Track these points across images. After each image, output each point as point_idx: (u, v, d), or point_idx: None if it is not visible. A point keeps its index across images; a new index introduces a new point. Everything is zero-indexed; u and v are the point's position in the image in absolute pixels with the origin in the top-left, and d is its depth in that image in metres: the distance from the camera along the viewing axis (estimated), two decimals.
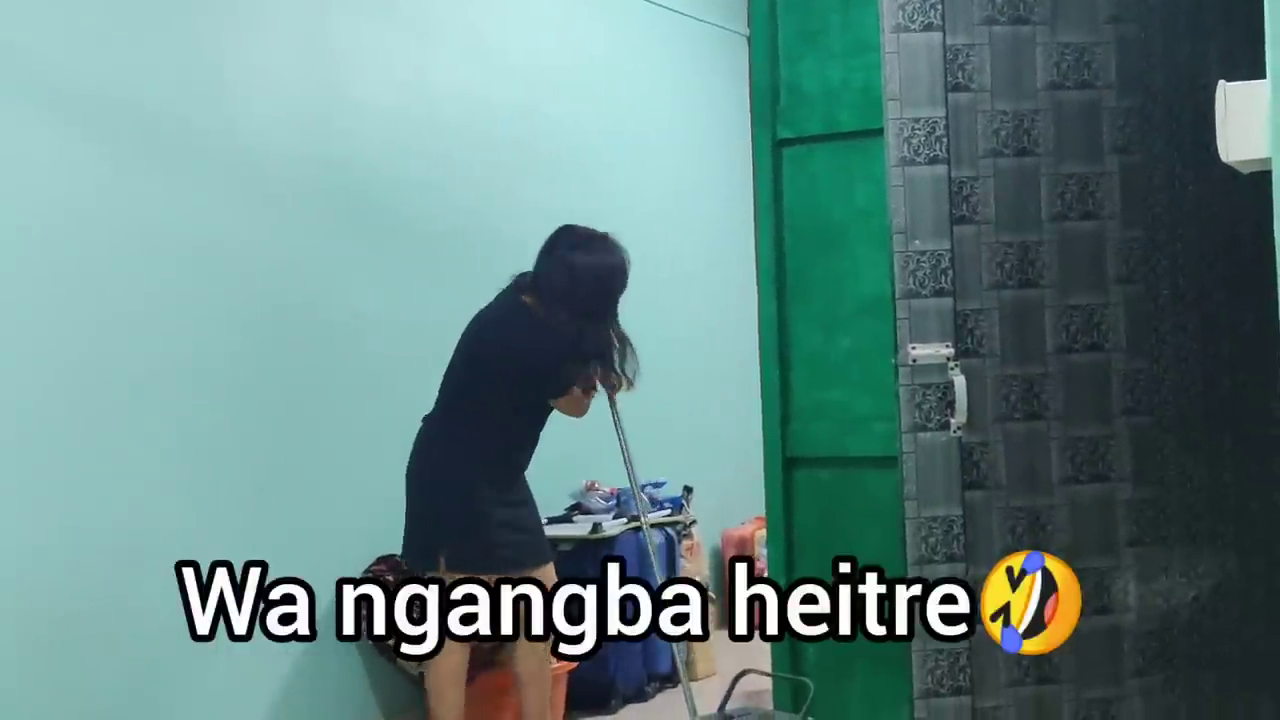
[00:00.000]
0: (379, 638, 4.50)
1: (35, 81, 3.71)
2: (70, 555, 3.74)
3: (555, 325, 4.03)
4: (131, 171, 3.95)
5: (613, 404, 4.24)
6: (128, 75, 3.94)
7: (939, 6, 3.21)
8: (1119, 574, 3.22)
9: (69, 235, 3.77)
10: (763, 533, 6.48)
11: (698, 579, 5.74)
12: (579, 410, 4.19)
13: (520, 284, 4.14)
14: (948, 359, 3.18)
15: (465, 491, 4.00)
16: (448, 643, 4.04)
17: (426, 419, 4.15)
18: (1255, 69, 2.11)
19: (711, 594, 5.86)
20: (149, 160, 4.00)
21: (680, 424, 6.40)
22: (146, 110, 4.00)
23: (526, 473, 4.20)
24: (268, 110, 4.40)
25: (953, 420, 3.17)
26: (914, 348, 3.19)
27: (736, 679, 3.88)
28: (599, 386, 4.21)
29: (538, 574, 4.10)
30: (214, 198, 4.21)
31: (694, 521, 5.82)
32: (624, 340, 4.21)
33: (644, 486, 5.70)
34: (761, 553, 6.52)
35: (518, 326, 4.09)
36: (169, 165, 4.07)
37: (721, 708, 3.86)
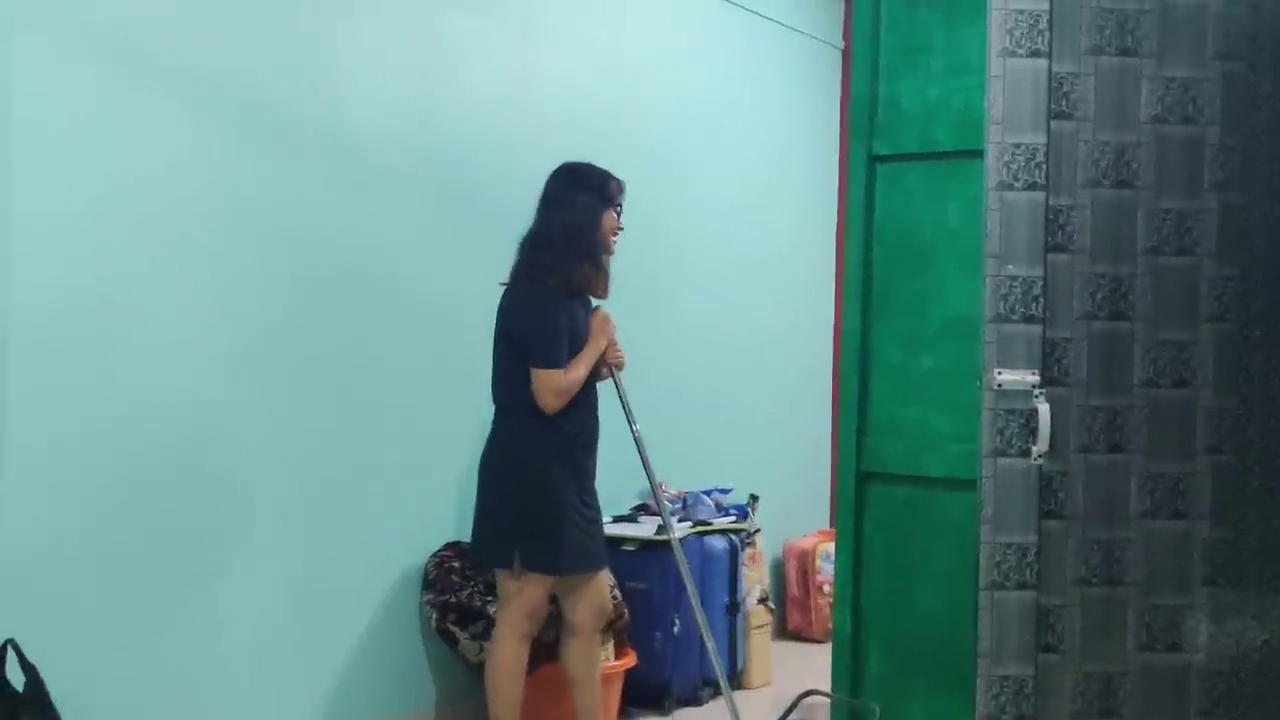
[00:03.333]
0: (441, 623, 4.56)
1: (146, 60, 3.78)
2: (155, 519, 3.82)
3: (539, 275, 4.03)
4: (236, 150, 4.01)
5: (617, 382, 4.20)
6: (238, 55, 4.01)
7: (1046, 34, 3.21)
8: (1191, 613, 3.20)
9: (172, 211, 3.83)
10: (824, 545, 6.50)
11: (759, 587, 5.75)
12: (550, 386, 3.96)
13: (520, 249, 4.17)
14: (1033, 386, 3.18)
15: (539, 491, 4.03)
16: (507, 634, 4.08)
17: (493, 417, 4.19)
18: None
19: (770, 604, 5.86)
20: (254, 140, 4.06)
21: (749, 431, 6.42)
22: (254, 90, 4.07)
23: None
24: (373, 97, 4.46)
25: (1034, 447, 3.17)
26: (1000, 372, 3.19)
27: (800, 699, 3.86)
28: (610, 372, 4.18)
29: (599, 576, 4.15)
30: (316, 180, 4.27)
31: (758, 530, 5.83)
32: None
33: (710, 491, 5.73)
34: (820, 566, 6.53)
35: (505, 301, 4.11)
36: (274, 146, 4.13)
37: None
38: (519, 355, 4.01)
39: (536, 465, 4.02)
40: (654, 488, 4.34)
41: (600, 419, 4.18)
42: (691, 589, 4.38)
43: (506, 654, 4.10)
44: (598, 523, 4.18)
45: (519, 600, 4.05)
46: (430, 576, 4.66)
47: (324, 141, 4.30)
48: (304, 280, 4.24)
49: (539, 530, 4.01)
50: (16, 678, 3.29)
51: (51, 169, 3.55)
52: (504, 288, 4.14)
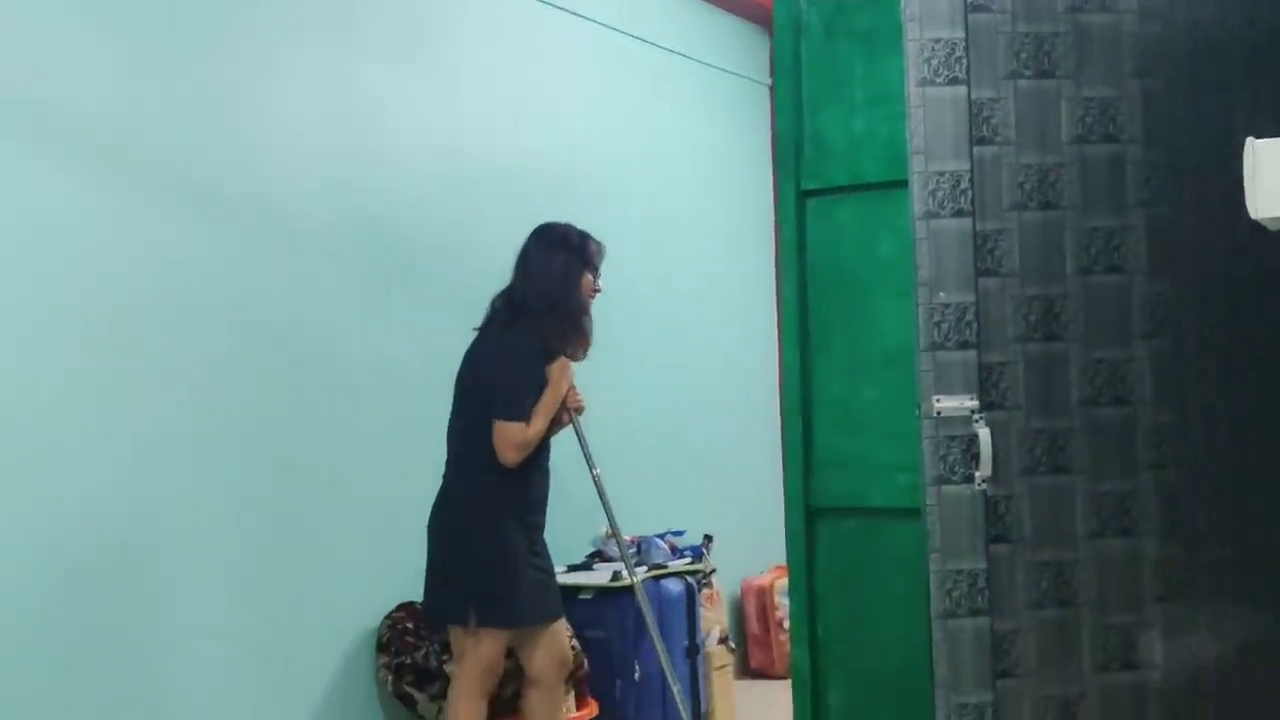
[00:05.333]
0: (399, 685, 4.50)
1: (57, 130, 3.75)
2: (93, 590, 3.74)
3: (513, 333, 4.04)
4: (156, 221, 3.99)
5: (577, 427, 4.21)
6: (151, 124, 3.99)
7: (964, 60, 3.22)
8: (1145, 630, 3.19)
9: (91, 284, 3.80)
10: (782, 581, 6.47)
11: (718, 628, 5.72)
12: (511, 440, 3.95)
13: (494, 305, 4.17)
14: (972, 411, 3.17)
15: (491, 545, 3.98)
16: (464, 691, 4.02)
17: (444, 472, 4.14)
18: None
19: (730, 643, 5.82)
20: (173, 210, 4.05)
21: (698, 471, 6.41)
22: (170, 159, 4.04)
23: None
24: (294, 158, 4.44)
25: (977, 473, 3.16)
26: (938, 400, 3.18)
27: None
28: (570, 418, 4.16)
29: (556, 625, 4.11)
30: (239, 248, 4.25)
31: (714, 570, 5.80)
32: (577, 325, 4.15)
33: (664, 535, 5.70)
34: (780, 601, 6.50)
35: (474, 350, 4.11)
36: (194, 215, 4.11)
37: None
38: (482, 405, 3.98)
39: (488, 518, 3.98)
40: (614, 529, 4.33)
41: (551, 468, 4.15)
42: (655, 633, 4.35)
43: (465, 712, 4.04)
44: (550, 572, 4.15)
45: (474, 656, 4.00)
46: (384, 639, 4.61)
47: (246, 205, 4.28)
48: (237, 348, 4.20)
49: (492, 584, 3.97)
50: None
51: None
52: (474, 334, 4.11)
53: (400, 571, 4.65)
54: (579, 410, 4.19)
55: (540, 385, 4.02)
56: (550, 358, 4.05)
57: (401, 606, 4.66)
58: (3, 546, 3.54)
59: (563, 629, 4.21)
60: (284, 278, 4.38)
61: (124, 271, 3.88)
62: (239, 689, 4.15)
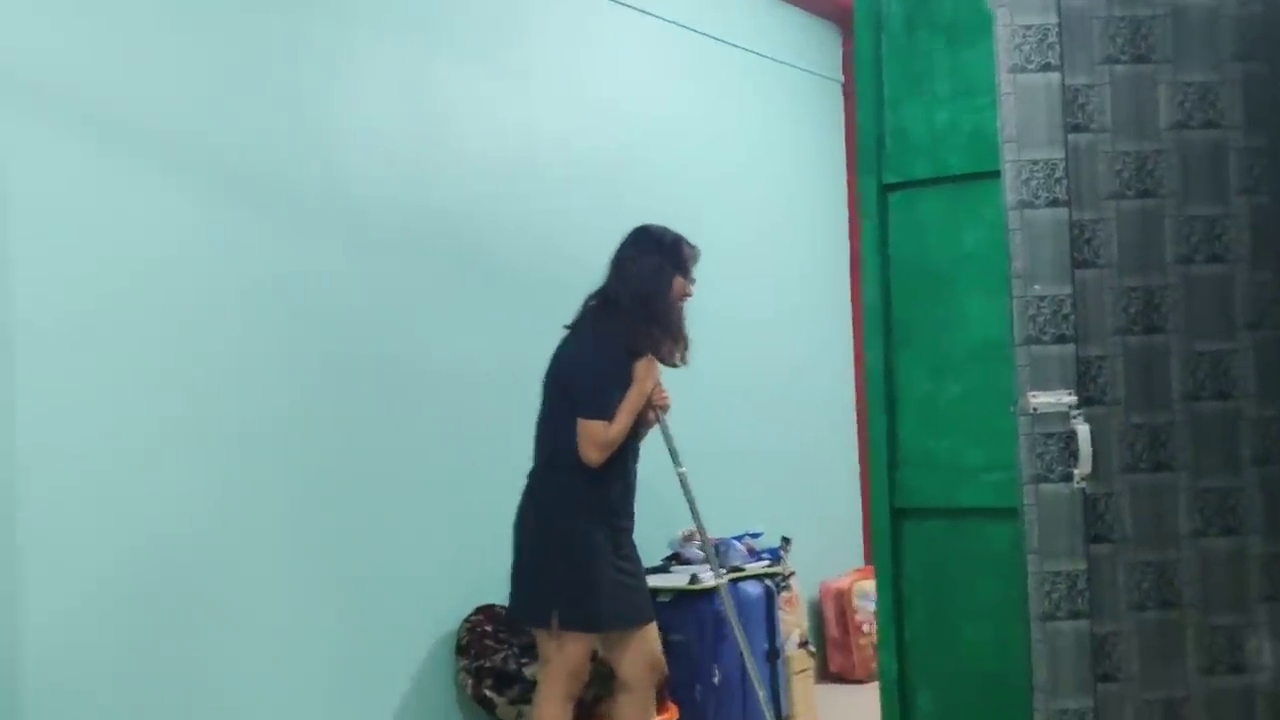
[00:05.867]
0: (478, 689, 4.47)
1: (137, 131, 3.75)
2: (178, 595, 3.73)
3: (603, 332, 4.01)
4: (236, 221, 3.99)
5: (663, 424, 4.17)
6: (230, 123, 3.99)
7: (1057, 46, 3.14)
8: (1252, 631, 3.09)
9: (173, 285, 3.80)
10: (860, 584, 6.39)
11: (797, 631, 5.65)
12: (594, 439, 3.92)
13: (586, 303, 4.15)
14: (1070, 407, 3.08)
15: (572, 546, 3.94)
16: (550, 695, 3.98)
17: (530, 472, 4.10)
18: None
19: (810, 647, 5.75)
20: (251, 209, 4.04)
21: (777, 472, 6.34)
22: (248, 159, 4.05)
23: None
24: (370, 158, 4.43)
25: (1076, 471, 3.07)
26: (1035, 396, 3.09)
27: None
28: (656, 416, 4.11)
29: (646, 629, 4.05)
30: (318, 246, 4.24)
31: (792, 573, 5.73)
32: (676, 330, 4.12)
33: (741, 537, 5.63)
34: (858, 605, 6.42)
35: (564, 349, 4.08)
36: (273, 214, 4.11)
37: None
38: (567, 403, 3.96)
39: (570, 520, 3.95)
40: (700, 528, 4.27)
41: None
42: (739, 633, 4.29)
43: (549, 716, 3.99)
44: (638, 575, 4.09)
45: (559, 659, 3.96)
46: (463, 642, 4.58)
47: (323, 203, 4.28)
48: (317, 350, 4.19)
49: (574, 586, 3.92)
50: None
51: (49, 261, 3.49)
52: (565, 331, 4.08)
53: (478, 574, 4.63)
54: (664, 408, 4.14)
55: (626, 384, 3.97)
56: (636, 357, 4.00)
57: (480, 610, 4.63)
58: (87, 546, 3.54)
59: (654, 633, 4.14)
60: (360, 275, 4.37)
61: (203, 271, 3.88)
62: (318, 691, 4.13)
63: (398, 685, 4.45)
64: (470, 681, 4.50)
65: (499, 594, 4.60)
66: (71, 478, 3.52)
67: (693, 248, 4.17)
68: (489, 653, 4.51)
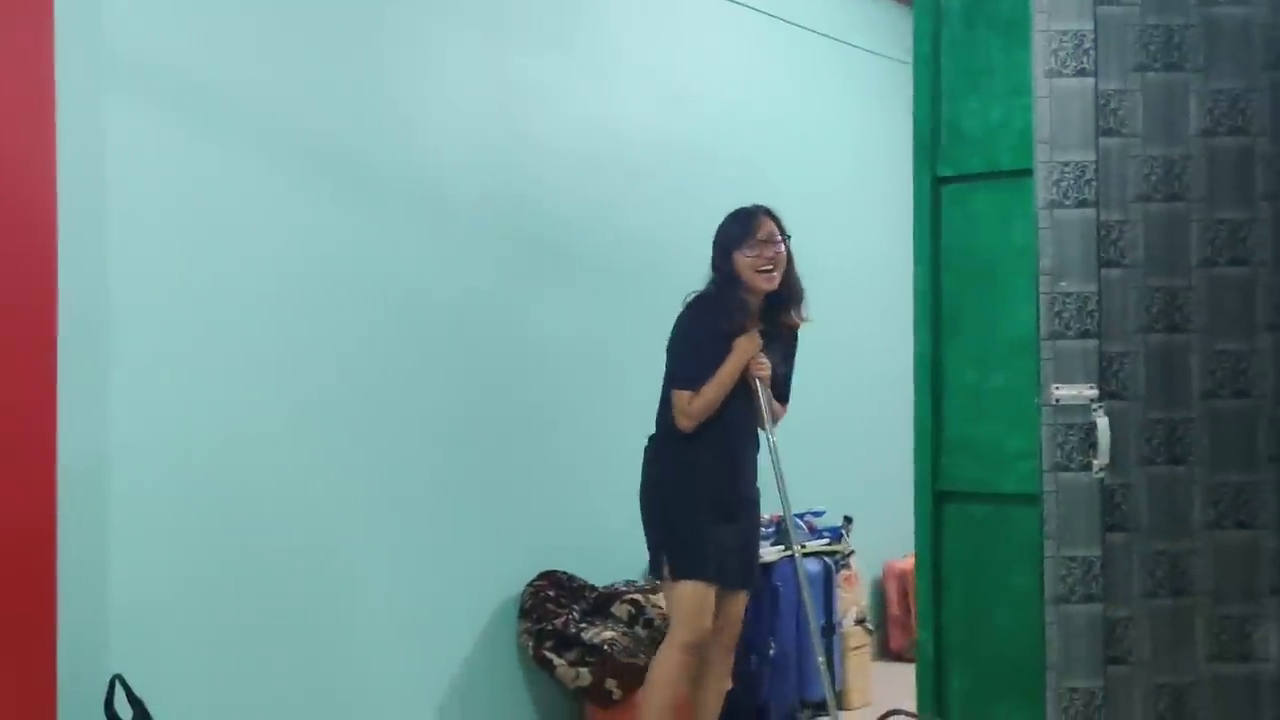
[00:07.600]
0: (539, 651, 4.67)
1: (223, 116, 3.93)
2: (262, 560, 3.99)
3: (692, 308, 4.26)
4: (317, 204, 4.16)
5: (758, 393, 4.33)
6: (313, 109, 4.16)
7: (1092, 53, 3.25)
8: (1261, 622, 3.20)
9: (256, 266, 3.98)
10: None
11: (855, 609, 5.78)
12: (680, 408, 4.18)
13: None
14: (1091, 400, 3.20)
15: (668, 503, 4.23)
16: (669, 641, 4.22)
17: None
18: None
19: (868, 625, 5.88)
20: (334, 193, 4.22)
21: (843, 454, 6.43)
22: (332, 144, 4.21)
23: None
24: (451, 145, 4.59)
25: (1095, 461, 3.19)
26: (1057, 388, 3.22)
27: (883, 718, 3.91)
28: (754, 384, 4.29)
29: (738, 595, 4.37)
30: (399, 232, 4.41)
31: (852, 552, 5.85)
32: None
33: (803, 515, 5.76)
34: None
35: (674, 324, 4.31)
36: (354, 198, 4.28)
37: None
38: (666, 375, 4.25)
39: (667, 483, 4.25)
40: (783, 496, 4.46)
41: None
42: (808, 600, 4.45)
43: (663, 660, 4.24)
44: (739, 545, 4.33)
45: (672, 606, 4.26)
46: (526, 606, 4.77)
47: (405, 188, 4.44)
48: (397, 328, 4.38)
49: (677, 541, 4.20)
50: (125, 711, 3.46)
51: (144, 237, 3.68)
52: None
53: (542, 541, 4.82)
54: (762, 378, 4.32)
55: (719, 357, 4.19)
56: (731, 331, 4.21)
57: (543, 575, 4.82)
58: (185, 529, 3.77)
59: (742, 602, 4.38)
60: (442, 259, 4.55)
61: (289, 255, 4.06)
62: (389, 653, 4.33)
63: (464, 646, 4.64)
64: (531, 643, 4.70)
65: (561, 561, 4.82)
66: (173, 456, 3.74)
67: (752, 216, 4.32)
68: (550, 616, 4.71)
